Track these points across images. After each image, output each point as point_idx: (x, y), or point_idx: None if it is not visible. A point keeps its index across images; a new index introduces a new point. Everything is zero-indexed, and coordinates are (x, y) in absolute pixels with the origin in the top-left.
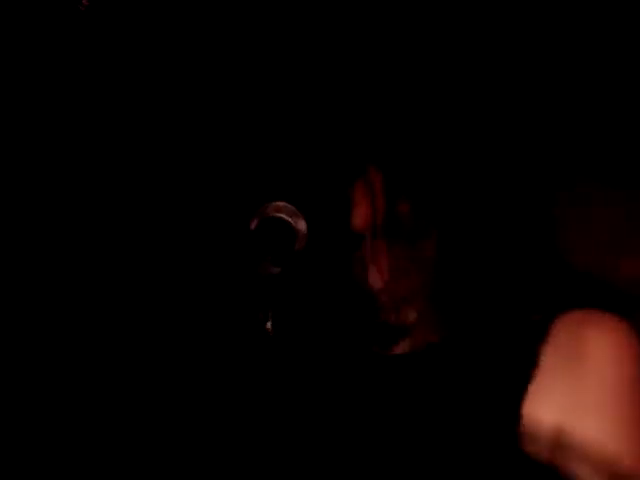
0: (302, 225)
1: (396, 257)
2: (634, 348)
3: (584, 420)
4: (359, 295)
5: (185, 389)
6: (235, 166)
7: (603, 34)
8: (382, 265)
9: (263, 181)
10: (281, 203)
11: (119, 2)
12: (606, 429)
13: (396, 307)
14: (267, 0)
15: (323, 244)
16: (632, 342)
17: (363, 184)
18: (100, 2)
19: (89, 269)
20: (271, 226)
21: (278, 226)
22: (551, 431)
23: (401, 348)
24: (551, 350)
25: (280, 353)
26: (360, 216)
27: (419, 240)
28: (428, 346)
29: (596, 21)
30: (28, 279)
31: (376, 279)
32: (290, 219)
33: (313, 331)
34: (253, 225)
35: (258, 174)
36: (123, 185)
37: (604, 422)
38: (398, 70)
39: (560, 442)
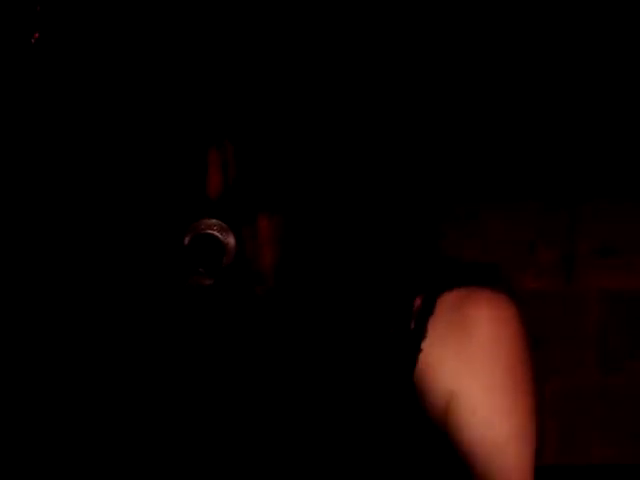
0: (231, 241)
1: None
2: (515, 318)
3: (472, 387)
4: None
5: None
6: (171, 188)
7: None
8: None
9: (195, 199)
10: (213, 220)
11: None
12: (492, 398)
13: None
14: None
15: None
16: (513, 312)
17: (216, 153)
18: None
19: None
20: (203, 242)
21: (210, 242)
22: (444, 397)
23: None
24: (438, 323)
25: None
26: (215, 185)
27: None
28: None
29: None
30: None
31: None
32: (220, 235)
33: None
34: (186, 241)
35: (190, 192)
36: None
37: (491, 392)
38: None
39: (451, 407)
